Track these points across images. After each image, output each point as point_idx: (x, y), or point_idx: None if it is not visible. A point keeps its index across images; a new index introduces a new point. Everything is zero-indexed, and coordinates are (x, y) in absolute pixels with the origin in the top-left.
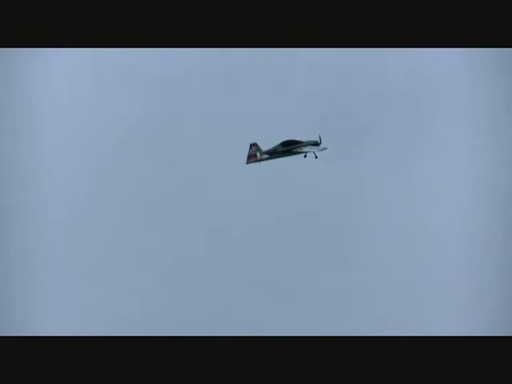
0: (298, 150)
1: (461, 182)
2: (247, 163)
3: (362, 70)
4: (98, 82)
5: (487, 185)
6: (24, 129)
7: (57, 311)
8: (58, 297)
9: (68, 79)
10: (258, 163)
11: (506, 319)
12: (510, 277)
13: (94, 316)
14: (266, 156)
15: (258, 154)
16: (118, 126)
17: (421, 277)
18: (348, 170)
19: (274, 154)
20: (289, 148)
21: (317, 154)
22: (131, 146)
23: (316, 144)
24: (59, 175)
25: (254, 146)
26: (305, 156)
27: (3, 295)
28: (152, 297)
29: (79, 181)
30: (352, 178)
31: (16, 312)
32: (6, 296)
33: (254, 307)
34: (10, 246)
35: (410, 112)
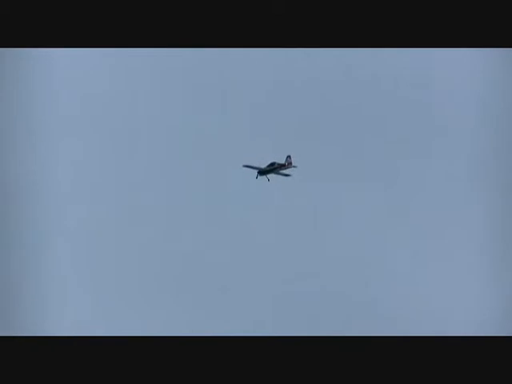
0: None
1: (459, 182)
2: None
3: (362, 71)
4: (98, 82)
5: (488, 183)
6: (24, 129)
7: (56, 311)
8: (57, 297)
9: (68, 79)
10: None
11: (506, 319)
12: (510, 277)
13: (94, 316)
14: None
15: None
16: (118, 125)
17: (421, 277)
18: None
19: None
20: (270, 168)
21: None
22: (131, 146)
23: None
24: (58, 175)
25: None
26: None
27: (3, 295)
28: (152, 297)
29: (78, 181)
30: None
31: (16, 312)
32: (6, 296)
33: (254, 307)
34: (11, 246)
35: (410, 111)
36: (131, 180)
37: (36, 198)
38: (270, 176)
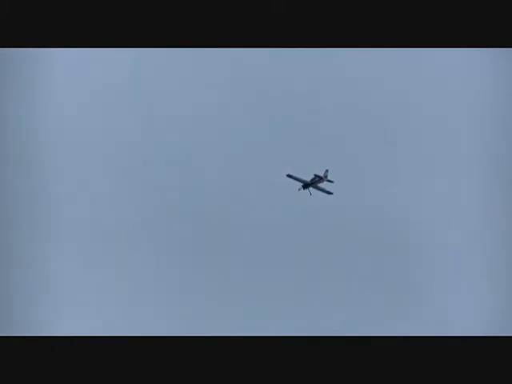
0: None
1: (461, 181)
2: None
3: (362, 70)
4: (98, 81)
5: (488, 183)
6: (24, 128)
7: (57, 311)
8: (59, 297)
9: (68, 79)
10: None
11: (506, 319)
12: (510, 277)
13: (95, 316)
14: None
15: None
16: (118, 125)
17: (423, 277)
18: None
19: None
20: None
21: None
22: (131, 145)
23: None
24: (59, 174)
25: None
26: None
27: (4, 295)
28: (153, 298)
29: (79, 180)
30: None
31: (17, 312)
32: (7, 296)
33: (256, 307)
34: (13, 246)
35: (409, 111)
36: (132, 179)
37: (34, 196)
38: (311, 191)
